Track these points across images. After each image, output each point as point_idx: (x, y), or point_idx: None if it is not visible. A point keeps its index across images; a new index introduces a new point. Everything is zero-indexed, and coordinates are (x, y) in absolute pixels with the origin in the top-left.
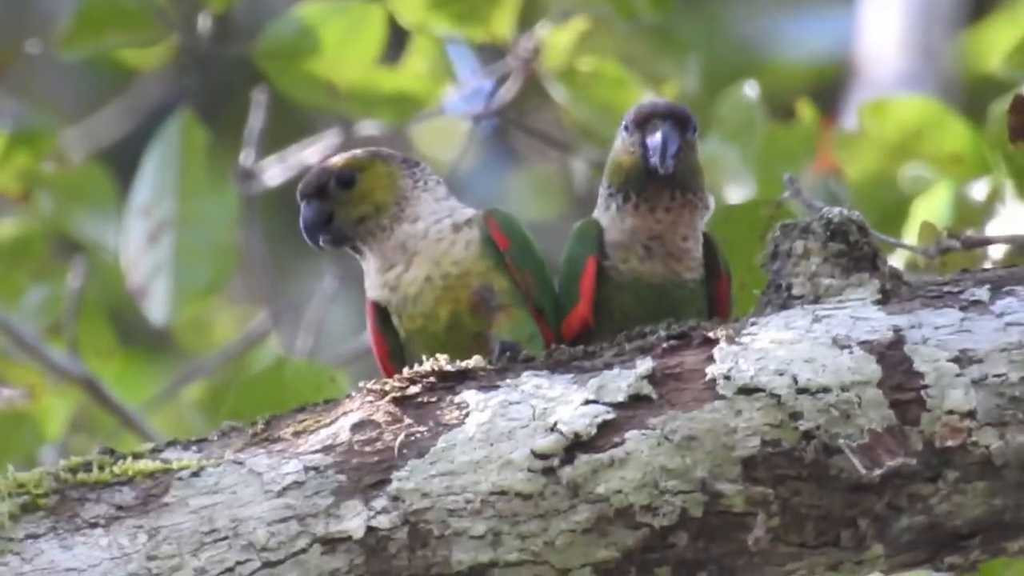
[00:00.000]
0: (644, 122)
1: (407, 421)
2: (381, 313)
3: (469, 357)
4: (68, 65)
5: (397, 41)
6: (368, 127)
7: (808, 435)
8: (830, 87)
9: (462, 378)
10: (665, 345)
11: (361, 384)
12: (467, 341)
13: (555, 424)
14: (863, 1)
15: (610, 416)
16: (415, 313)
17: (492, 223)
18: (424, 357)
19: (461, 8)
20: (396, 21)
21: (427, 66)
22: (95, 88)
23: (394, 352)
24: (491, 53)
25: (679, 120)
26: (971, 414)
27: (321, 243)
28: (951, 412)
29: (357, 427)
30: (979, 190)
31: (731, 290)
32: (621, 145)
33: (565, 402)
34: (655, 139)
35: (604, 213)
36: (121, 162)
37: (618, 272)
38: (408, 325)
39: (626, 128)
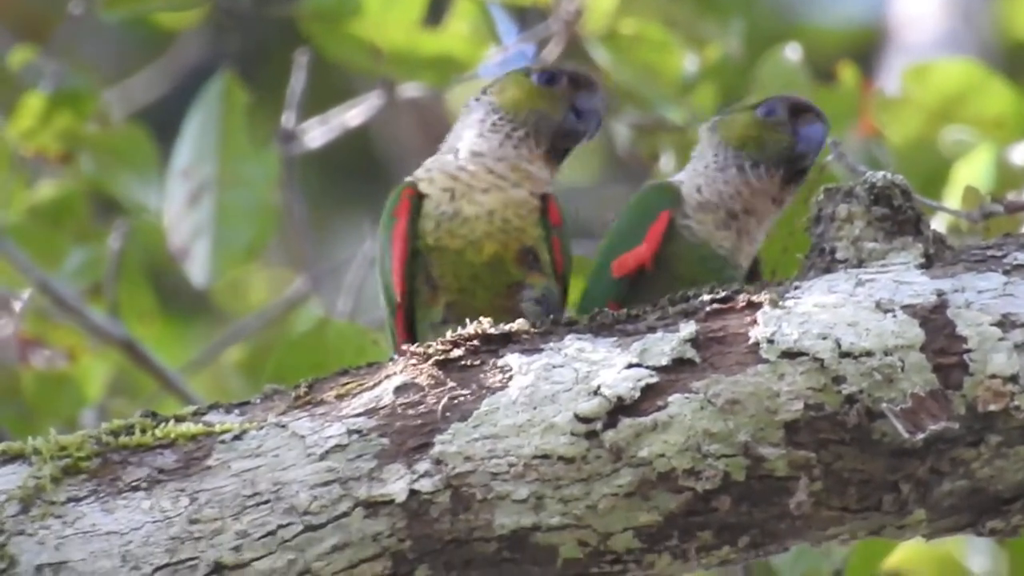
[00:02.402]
0: (799, 112)
1: (450, 384)
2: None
3: (493, 298)
4: (108, 27)
5: (439, 3)
6: (410, 89)
7: (851, 399)
8: (866, 51)
9: (505, 341)
10: (709, 309)
11: (405, 347)
12: (498, 283)
13: (598, 388)
14: None
15: (653, 380)
16: (460, 232)
17: (551, 198)
18: (441, 276)
19: None
20: None
21: (469, 29)
22: (135, 49)
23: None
24: (533, 16)
25: (827, 125)
26: (1014, 378)
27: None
28: (994, 376)
29: (400, 390)
30: (1021, 153)
31: None
32: (761, 122)
33: (608, 365)
34: (812, 131)
35: (703, 171)
36: (161, 123)
37: (691, 232)
38: (445, 240)
39: (769, 111)
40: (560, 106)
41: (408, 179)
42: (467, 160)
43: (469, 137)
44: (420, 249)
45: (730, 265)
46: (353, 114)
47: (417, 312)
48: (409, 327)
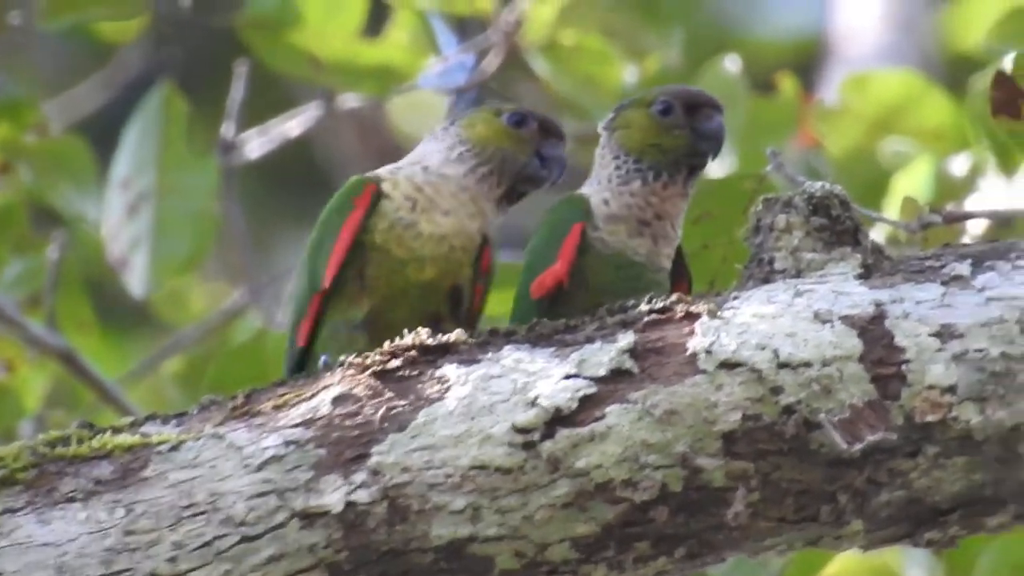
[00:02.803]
0: (695, 108)
1: (388, 395)
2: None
3: (410, 319)
4: (48, 39)
5: (379, 14)
6: (350, 100)
7: (789, 410)
8: (808, 63)
9: (443, 352)
10: (647, 319)
11: (342, 358)
12: (420, 309)
13: (536, 398)
14: None
15: (591, 390)
16: (411, 245)
17: (489, 243)
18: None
19: None
20: None
21: (409, 39)
22: (76, 61)
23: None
24: (472, 26)
25: (722, 112)
26: (952, 389)
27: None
28: (932, 387)
29: (337, 401)
30: (960, 165)
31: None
32: (657, 124)
33: (546, 376)
34: (711, 126)
35: (608, 184)
36: (101, 134)
37: (604, 244)
38: (392, 245)
39: (665, 109)
40: (526, 149)
41: (370, 175)
42: (436, 177)
43: (437, 159)
44: (364, 244)
45: (649, 270)
46: (293, 124)
47: (333, 306)
48: (316, 318)
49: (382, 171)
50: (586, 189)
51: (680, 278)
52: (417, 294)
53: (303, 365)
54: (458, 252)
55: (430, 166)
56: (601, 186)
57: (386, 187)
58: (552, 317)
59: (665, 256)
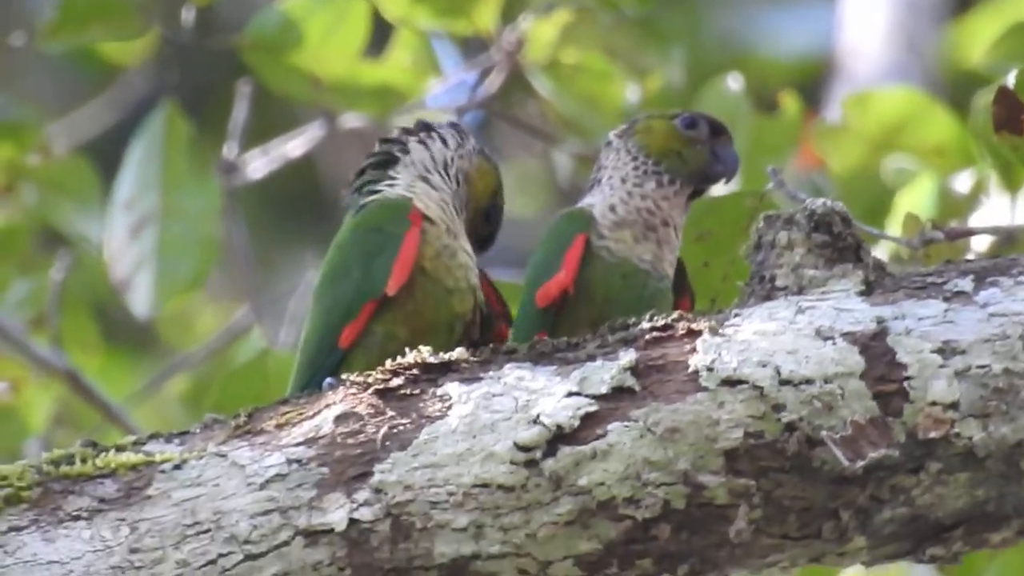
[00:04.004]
0: (718, 132)
1: (390, 413)
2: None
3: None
4: (52, 62)
5: (381, 34)
6: (351, 120)
7: (791, 427)
8: (813, 82)
9: (445, 370)
10: (648, 336)
11: (344, 376)
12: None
13: (537, 416)
14: None
15: (593, 408)
16: (457, 275)
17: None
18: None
19: (444, 1)
20: (380, 14)
21: (410, 59)
22: (79, 84)
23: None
24: (474, 46)
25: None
26: (954, 405)
27: None
28: (934, 403)
29: (340, 419)
30: (963, 182)
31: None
32: (680, 134)
33: (548, 394)
34: (730, 155)
35: (621, 185)
36: (105, 156)
37: (609, 252)
38: (443, 276)
39: (690, 124)
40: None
41: (405, 195)
42: (449, 196)
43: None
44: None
45: (654, 277)
46: (294, 145)
47: (378, 318)
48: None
49: (401, 191)
50: (589, 200)
51: (683, 295)
52: (458, 325)
53: (338, 369)
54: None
55: (434, 181)
56: (613, 190)
57: (424, 209)
58: (557, 327)
59: (669, 264)
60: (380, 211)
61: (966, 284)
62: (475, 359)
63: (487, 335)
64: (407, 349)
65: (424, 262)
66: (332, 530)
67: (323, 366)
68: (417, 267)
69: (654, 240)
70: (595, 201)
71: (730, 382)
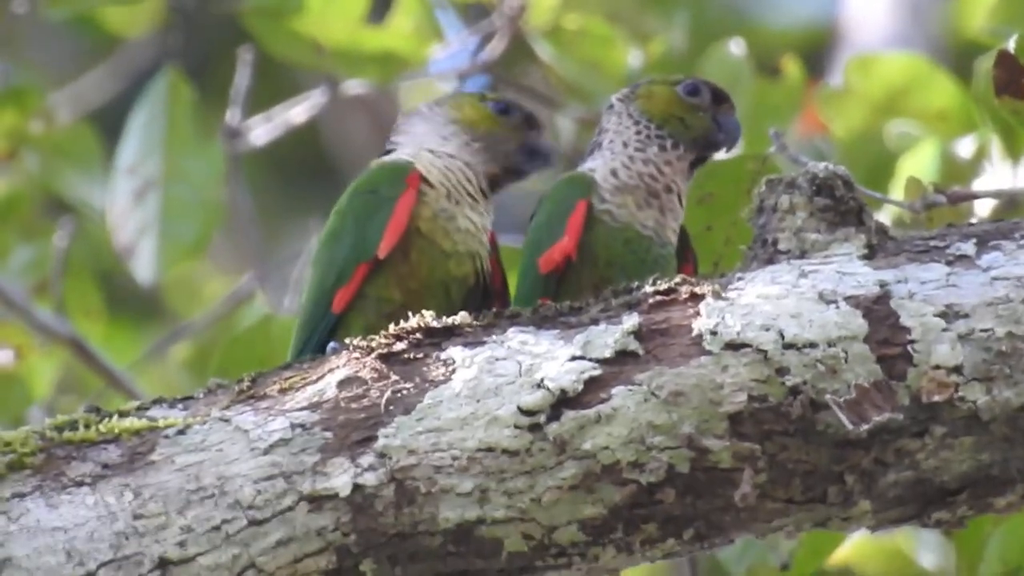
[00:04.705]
0: (720, 100)
1: (393, 378)
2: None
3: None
4: (55, 30)
5: (382, 0)
6: (354, 86)
7: (795, 390)
8: (816, 50)
9: (448, 334)
10: (652, 300)
11: (348, 340)
12: (455, 298)
13: (541, 380)
14: None
15: (596, 372)
16: (455, 239)
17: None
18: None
19: None
20: None
21: (413, 25)
22: (82, 52)
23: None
24: (476, 11)
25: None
26: (958, 369)
27: None
28: (937, 367)
29: (343, 384)
30: (965, 147)
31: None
32: (682, 101)
33: (551, 358)
34: (732, 123)
35: (623, 150)
36: (108, 124)
37: (611, 216)
38: (440, 239)
39: (693, 91)
40: (514, 137)
41: (405, 158)
42: (449, 161)
43: (434, 141)
44: (408, 228)
45: (656, 244)
46: (298, 111)
47: (372, 281)
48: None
49: (402, 155)
50: (589, 164)
51: (686, 261)
52: (455, 288)
53: (333, 333)
54: (482, 252)
55: (435, 149)
56: (614, 154)
57: (421, 171)
58: (560, 292)
59: (671, 231)
60: (378, 173)
61: (968, 248)
62: (478, 323)
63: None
64: (407, 312)
65: (419, 223)
66: (336, 495)
67: (317, 330)
68: (412, 229)
69: (657, 207)
70: (596, 165)
71: (734, 346)
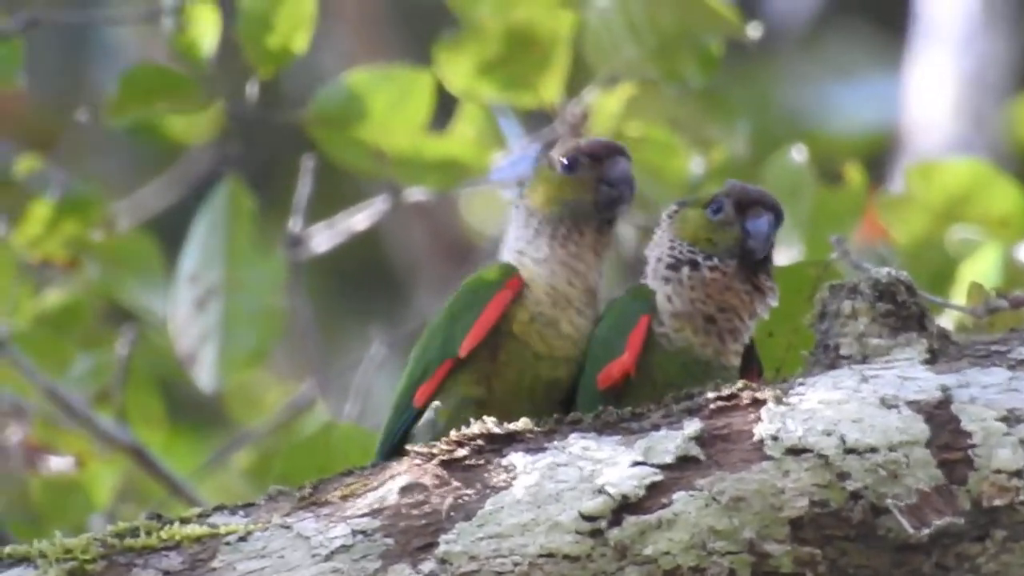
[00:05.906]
0: (746, 207)
1: (455, 484)
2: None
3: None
4: (117, 140)
5: (445, 108)
6: (416, 193)
7: (856, 495)
8: (878, 156)
9: (509, 440)
10: (713, 406)
11: (409, 447)
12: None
13: (603, 486)
14: (911, 70)
15: (658, 477)
16: (553, 343)
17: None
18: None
19: (509, 74)
20: (444, 88)
21: (475, 132)
22: (143, 161)
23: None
24: (539, 119)
25: (779, 214)
26: (1019, 473)
27: None
28: (999, 471)
29: (405, 490)
30: None
31: None
32: (710, 220)
33: (612, 464)
34: (758, 225)
35: (672, 278)
36: (169, 232)
37: (669, 341)
38: (535, 342)
39: (717, 208)
40: (588, 187)
41: (508, 262)
42: (552, 267)
43: (524, 242)
44: (499, 329)
45: (714, 368)
46: (359, 218)
47: (456, 378)
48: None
49: (508, 259)
50: (650, 282)
51: (750, 367)
52: (542, 391)
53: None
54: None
55: (530, 253)
56: (656, 275)
57: (525, 276)
58: (618, 408)
59: (733, 353)
60: (484, 273)
61: None
62: (540, 429)
63: None
64: (492, 411)
65: (514, 325)
66: None
67: (400, 421)
68: (505, 330)
69: (715, 334)
70: (654, 286)
71: (795, 451)
